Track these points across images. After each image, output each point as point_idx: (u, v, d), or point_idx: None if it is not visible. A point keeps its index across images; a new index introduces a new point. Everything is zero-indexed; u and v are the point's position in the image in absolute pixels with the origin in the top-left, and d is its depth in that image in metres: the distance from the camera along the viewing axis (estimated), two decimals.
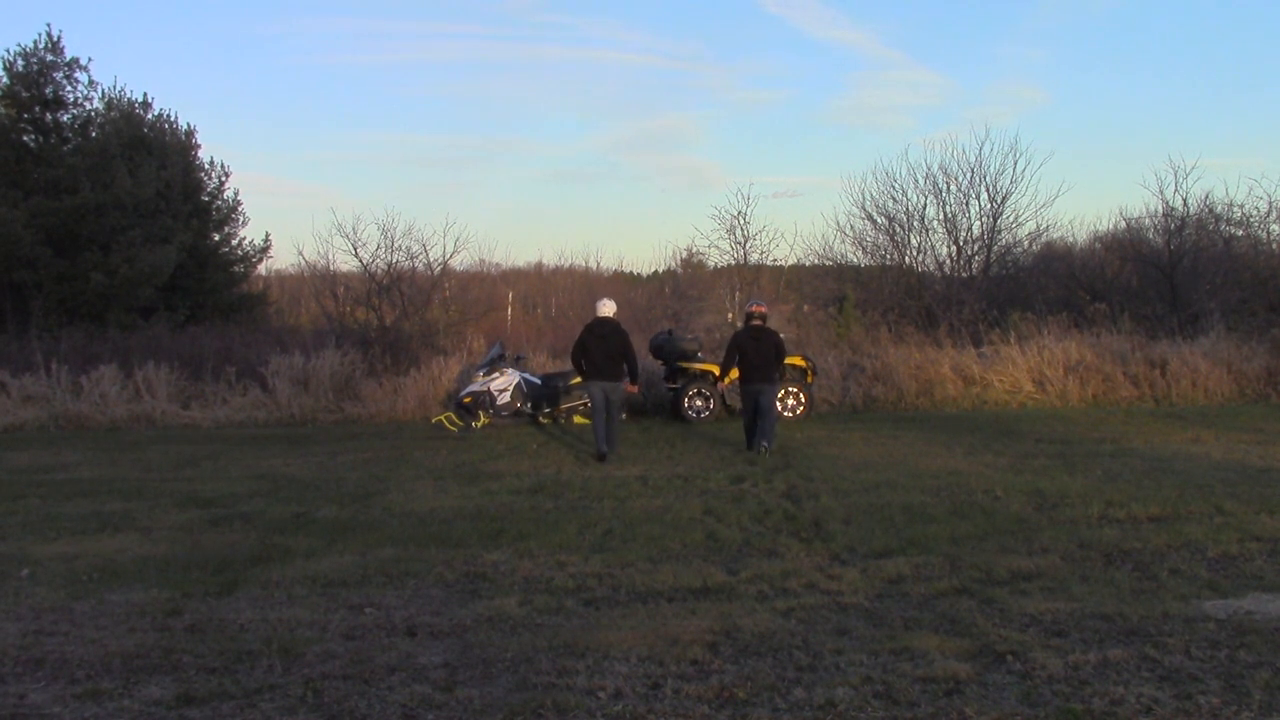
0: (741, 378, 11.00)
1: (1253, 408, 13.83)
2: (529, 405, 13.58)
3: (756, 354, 10.83)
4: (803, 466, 9.56)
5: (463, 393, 13.74)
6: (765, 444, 10.58)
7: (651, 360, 14.60)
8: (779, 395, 13.08)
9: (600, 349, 10.58)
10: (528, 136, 68.63)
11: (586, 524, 7.10)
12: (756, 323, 11.00)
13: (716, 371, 13.63)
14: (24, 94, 21.02)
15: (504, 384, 13.50)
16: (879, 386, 15.16)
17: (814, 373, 14.05)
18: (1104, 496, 7.54)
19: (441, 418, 13.53)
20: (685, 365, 13.78)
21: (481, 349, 16.37)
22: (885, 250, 21.69)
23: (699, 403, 13.65)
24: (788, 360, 13.51)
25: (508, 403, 13.48)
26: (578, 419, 13.65)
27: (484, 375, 13.64)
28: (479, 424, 13.33)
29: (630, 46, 75.19)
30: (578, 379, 13.69)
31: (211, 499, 8.46)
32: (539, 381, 13.72)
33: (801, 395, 13.55)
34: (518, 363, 14.14)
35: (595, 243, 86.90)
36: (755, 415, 10.88)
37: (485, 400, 13.41)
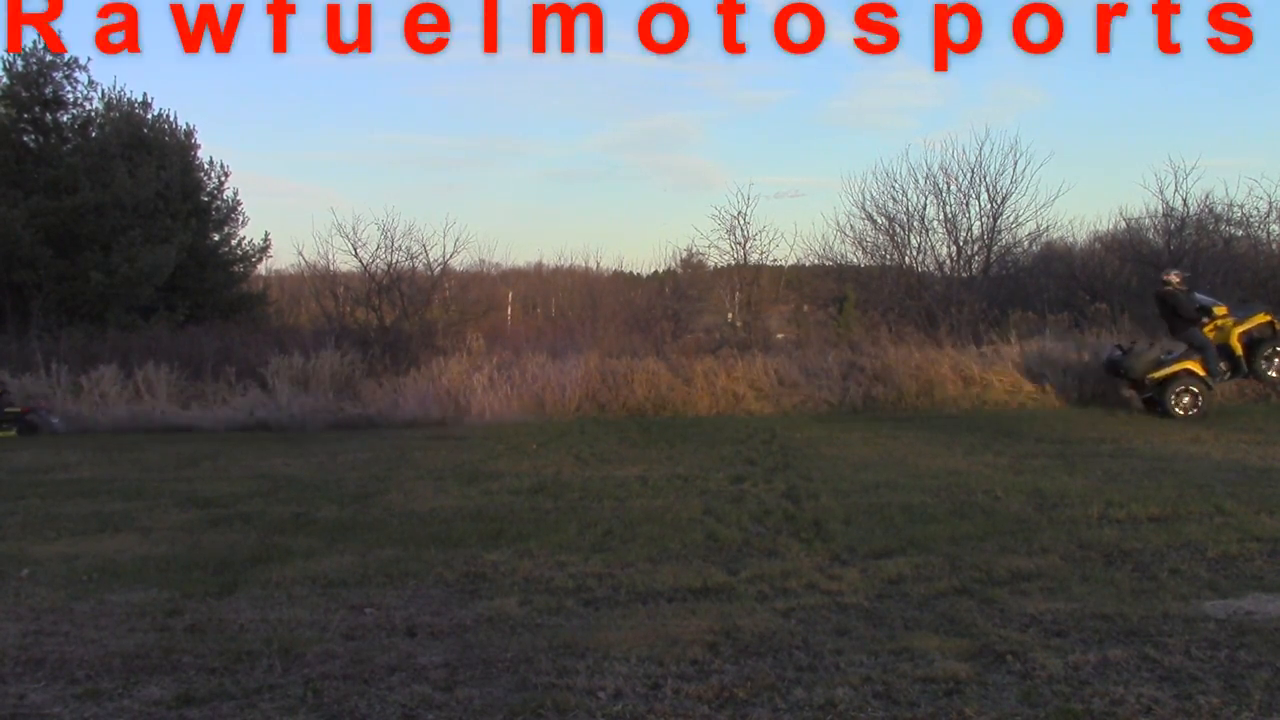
0: None
1: (1253, 408, 13.81)
2: None
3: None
4: (803, 466, 9.55)
5: None
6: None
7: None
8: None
9: None
10: (528, 137, 68.44)
11: (586, 524, 7.09)
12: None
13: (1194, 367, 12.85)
14: (24, 94, 21.01)
15: None
16: (879, 386, 15.15)
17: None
18: (1104, 496, 7.53)
19: None
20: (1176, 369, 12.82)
21: (481, 349, 16.36)
22: (885, 250, 21.64)
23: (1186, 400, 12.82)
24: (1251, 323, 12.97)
25: None
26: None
27: None
28: None
29: (630, 47, 75.19)
30: None
31: (211, 499, 8.46)
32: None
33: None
34: None
35: (595, 243, 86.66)
36: None
37: None
